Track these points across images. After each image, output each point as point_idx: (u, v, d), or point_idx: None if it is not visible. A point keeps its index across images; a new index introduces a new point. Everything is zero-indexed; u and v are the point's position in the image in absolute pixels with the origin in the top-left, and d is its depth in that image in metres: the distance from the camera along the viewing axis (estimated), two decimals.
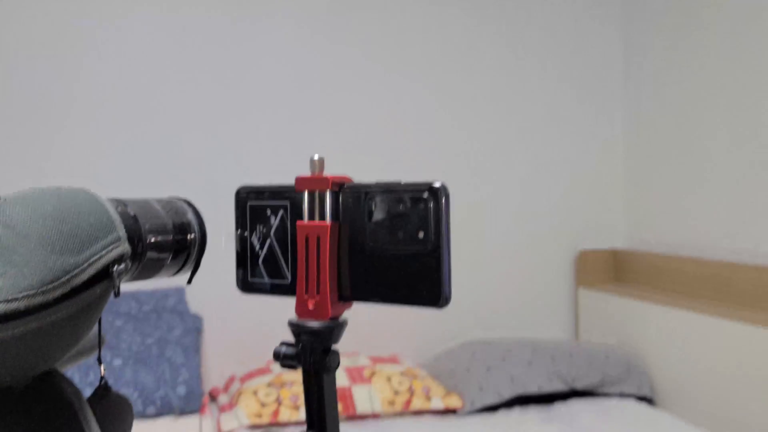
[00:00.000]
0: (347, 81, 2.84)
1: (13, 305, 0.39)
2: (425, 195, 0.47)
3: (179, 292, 2.59)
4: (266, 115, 2.75)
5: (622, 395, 2.49)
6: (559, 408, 2.39)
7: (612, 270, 3.10)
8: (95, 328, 0.50)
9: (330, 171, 0.51)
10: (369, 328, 2.51)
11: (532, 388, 2.43)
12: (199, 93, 2.69)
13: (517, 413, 2.37)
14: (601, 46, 3.12)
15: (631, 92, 3.10)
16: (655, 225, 2.96)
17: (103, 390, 0.50)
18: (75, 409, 0.45)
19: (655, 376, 2.56)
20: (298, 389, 2.30)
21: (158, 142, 2.65)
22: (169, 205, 0.55)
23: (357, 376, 2.40)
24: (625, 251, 3.06)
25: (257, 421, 2.20)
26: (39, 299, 0.40)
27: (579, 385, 2.47)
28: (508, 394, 2.40)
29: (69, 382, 0.46)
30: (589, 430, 2.19)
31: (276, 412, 2.23)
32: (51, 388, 0.45)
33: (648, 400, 2.53)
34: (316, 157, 0.51)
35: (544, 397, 2.46)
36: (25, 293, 0.39)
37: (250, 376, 2.44)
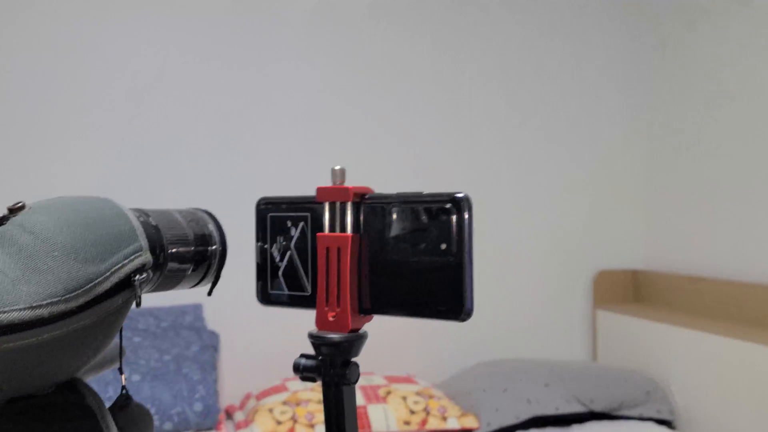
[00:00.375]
0: (368, 91, 2.85)
1: (38, 312, 0.39)
2: (448, 206, 0.47)
3: (197, 309, 2.59)
4: (286, 126, 2.76)
5: (642, 418, 2.45)
6: (577, 430, 2.37)
7: (631, 291, 3.07)
8: (116, 340, 0.51)
9: (350, 182, 0.51)
10: (384, 347, 2.50)
11: (550, 410, 2.40)
12: (219, 103, 2.71)
13: None
14: (626, 66, 3.12)
15: (653, 113, 3.08)
16: (675, 245, 2.93)
17: (124, 399, 0.50)
18: (97, 417, 0.45)
19: (675, 399, 2.53)
20: (314, 407, 2.29)
21: (178, 152, 2.67)
22: (191, 215, 0.55)
23: (372, 395, 2.39)
24: (644, 272, 3.03)
25: None
26: (62, 307, 0.40)
27: (597, 407, 2.44)
28: (525, 415, 2.38)
29: (91, 391, 0.46)
30: None
31: (291, 430, 2.22)
32: (73, 396, 0.45)
33: (668, 423, 2.49)
34: (337, 167, 0.51)
35: (561, 420, 2.43)
36: (49, 300, 0.39)
37: (266, 393, 2.44)
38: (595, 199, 3.08)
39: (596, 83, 3.09)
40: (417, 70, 2.91)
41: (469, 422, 2.36)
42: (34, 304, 0.39)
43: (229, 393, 2.62)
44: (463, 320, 0.47)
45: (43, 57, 2.56)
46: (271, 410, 2.29)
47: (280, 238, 0.54)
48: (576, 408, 2.42)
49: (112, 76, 2.63)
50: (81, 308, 0.41)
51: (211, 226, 0.56)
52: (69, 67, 2.59)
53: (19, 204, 0.43)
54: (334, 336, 0.49)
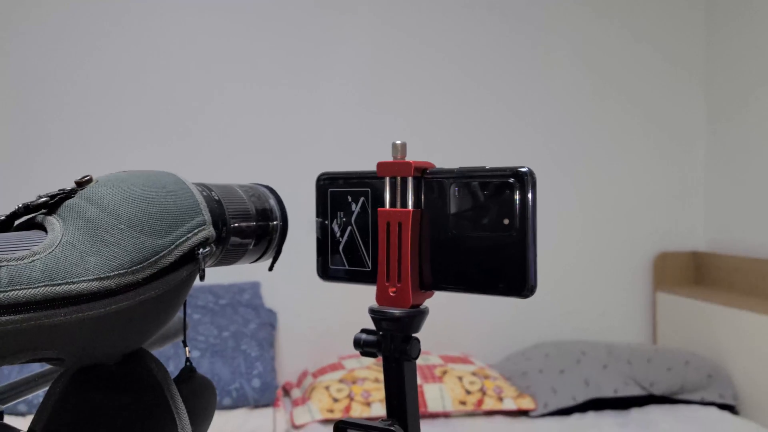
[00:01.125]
0: (432, 65, 2.84)
1: (105, 283, 0.40)
2: (511, 180, 0.46)
3: (254, 287, 2.63)
4: (347, 100, 2.77)
5: (703, 403, 2.40)
6: (636, 414, 2.33)
7: (692, 273, 3.00)
8: (179, 314, 0.51)
9: (411, 157, 0.50)
10: (440, 327, 2.50)
11: (608, 392, 2.37)
12: (278, 80, 2.73)
13: (591, 417, 2.31)
14: (683, 45, 3.03)
15: (713, 90, 2.99)
16: (737, 226, 2.85)
17: (188, 372, 0.51)
18: (162, 388, 0.46)
19: (738, 383, 2.46)
20: (370, 386, 2.31)
21: (239, 128, 2.70)
22: (252, 190, 0.55)
23: (428, 374, 2.39)
24: (705, 253, 2.96)
25: (329, 416, 2.22)
26: (129, 278, 0.41)
27: (657, 390, 2.39)
28: (582, 397, 2.35)
29: (157, 362, 0.47)
30: None
31: (348, 408, 2.24)
32: (140, 366, 0.46)
33: (731, 408, 2.43)
34: (398, 141, 0.50)
35: (619, 402, 2.40)
36: (116, 272, 0.40)
37: (323, 371, 2.47)
38: (656, 180, 3.01)
39: (656, 63, 3.01)
40: (481, 43, 2.88)
41: (526, 403, 2.34)
42: (102, 276, 0.40)
43: (286, 370, 2.66)
44: (526, 296, 0.46)
45: (107, 46, 2.62)
46: (327, 388, 2.31)
47: (340, 214, 0.54)
48: (635, 391, 2.38)
49: (173, 56, 2.67)
50: (147, 280, 0.42)
51: (272, 201, 0.56)
52: (136, 48, 2.64)
53: (86, 177, 0.44)
54: (395, 311, 0.49)
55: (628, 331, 2.97)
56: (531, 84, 2.92)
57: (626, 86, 2.99)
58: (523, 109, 2.91)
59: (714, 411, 2.34)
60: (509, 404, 2.33)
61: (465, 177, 0.48)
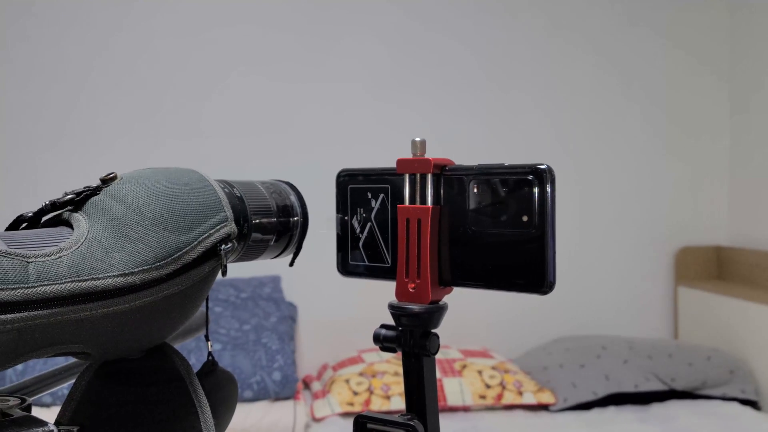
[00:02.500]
0: (452, 62, 2.83)
1: (130, 279, 0.40)
2: (530, 177, 0.46)
3: (275, 281, 2.65)
4: (366, 98, 2.78)
5: (725, 398, 2.38)
6: (657, 409, 2.32)
7: (714, 267, 2.97)
8: (201, 308, 0.52)
9: (430, 154, 0.50)
10: (460, 321, 2.50)
11: (628, 387, 2.36)
12: (297, 76, 2.74)
13: (611, 412, 2.30)
14: (706, 38, 3.00)
15: (736, 83, 2.96)
16: (760, 220, 2.82)
17: (210, 365, 0.52)
18: (185, 381, 0.46)
19: (760, 378, 2.44)
20: (390, 379, 2.32)
21: (260, 125, 2.71)
22: (273, 187, 0.56)
23: (448, 368, 2.39)
24: (728, 248, 2.93)
25: (349, 409, 2.23)
26: (153, 274, 0.41)
27: (678, 385, 2.38)
28: (603, 392, 2.34)
29: (180, 356, 0.48)
30: None
31: (368, 401, 2.25)
32: (163, 360, 0.47)
33: (753, 403, 2.41)
34: (417, 138, 0.50)
35: (640, 397, 2.39)
36: (140, 268, 0.41)
37: (342, 365, 2.48)
38: (679, 174, 2.99)
39: (679, 57, 2.98)
40: (502, 38, 2.87)
41: (546, 398, 2.34)
42: (127, 272, 0.40)
43: (306, 363, 2.67)
44: (545, 293, 0.46)
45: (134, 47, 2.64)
46: (347, 381, 2.32)
47: (360, 210, 0.54)
48: (656, 386, 2.37)
49: (193, 53, 2.69)
50: (170, 276, 0.42)
51: (293, 198, 0.56)
52: (155, 46, 2.66)
53: (111, 174, 0.45)
54: (415, 307, 0.49)
55: (649, 326, 2.95)
56: (551, 79, 2.91)
57: (648, 80, 2.97)
58: (543, 104, 2.90)
59: (736, 406, 2.32)
60: (529, 398, 2.33)
61: (484, 174, 0.48)
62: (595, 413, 2.30)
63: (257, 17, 2.72)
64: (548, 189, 0.46)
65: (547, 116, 2.90)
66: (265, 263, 2.44)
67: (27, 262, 0.37)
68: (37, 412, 0.47)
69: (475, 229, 0.48)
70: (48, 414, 0.41)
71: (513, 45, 2.88)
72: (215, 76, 2.70)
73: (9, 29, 2.60)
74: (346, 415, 2.23)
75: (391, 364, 2.39)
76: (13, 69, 2.61)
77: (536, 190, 0.46)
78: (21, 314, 0.36)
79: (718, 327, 2.69)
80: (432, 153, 0.50)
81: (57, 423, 0.43)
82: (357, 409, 2.23)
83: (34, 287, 0.37)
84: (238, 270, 2.55)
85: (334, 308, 2.69)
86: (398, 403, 2.25)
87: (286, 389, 2.24)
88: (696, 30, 2.99)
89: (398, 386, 2.29)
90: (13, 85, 2.61)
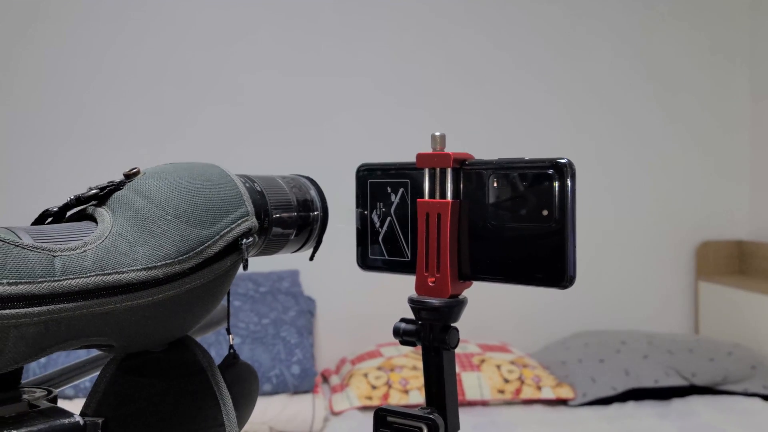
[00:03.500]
0: (470, 56, 2.83)
1: (153, 273, 0.41)
2: (550, 171, 0.46)
3: (293, 275, 2.66)
4: (385, 92, 2.78)
5: (747, 394, 2.36)
6: (677, 404, 2.30)
7: (735, 262, 2.94)
8: (222, 302, 0.53)
9: (450, 148, 0.50)
10: (478, 315, 2.50)
11: (648, 383, 2.34)
12: (319, 71, 2.74)
13: (631, 407, 2.29)
14: (727, 27, 2.97)
15: (757, 73, 2.92)
16: None
17: (232, 358, 0.52)
18: (207, 374, 0.47)
19: None
20: (408, 373, 2.32)
21: (280, 120, 2.72)
22: (293, 182, 0.56)
23: (466, 363, 2.39)
24: (749, 242, 2.90)
25: (368, 403, 2.24)
26: (176, 268, 0.42)
27: (699, 381, 2.36)
28: (622, 387, 2.33)
29: (202, 349, 0.48)
30: (710, 428, 2.09)
31: (386, 395, 2.26)
32: (185, 353, 0.47)
33: None
34: (437, 133, 0.50)
35: (660, 393, 2.37)
36: (163, 262, 0.41)
37: (361, 358, 2.49)
38: (699, 168, 2.96)
39: (699, 47, 2.96)
40: (520, 31, 2.86)
41: (564, 392, 2.33)
42: (150, 265, 0.41)
43: (324, 357, 2.69)
44: (565, 287, 0.46)
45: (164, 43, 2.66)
46: (366, 375, 2.33)
47: (379, 204, 0.55)
48: (676, 381, 2.35)
49: (211, 48, 2.70)
50: (192, 270, 0.43)
51: (313, 192, 0.57)
52: (172, 40, 2.68)
53: (134, 170, 0.45)
54: (434, 301, 0.49)
55: (669, 320, 2.93)
56: (569, 71, 2.89)
57: (668, 71, 2.94)
58: (563, 97, 2.89)
59: (758, 402, 2.30)
60: (548, 393, 2.33)
61: (504, 168, 0.48)
62: (615, 408, 2.29)
63: (274, 13, 2.73)
64: (569, 183, 0.45)
65: (567, 109, 2.88)
66: (283, 257, 2.45)
67: (53, 256, 0.38)
68: (60, 404, 0.48)
69: (495, 224, 0.48)
70: (70, 406, 0.41)
71: (532, 37, 2.86)
72: (235, 72, 2.71)
73: (35, 18, 2.62)
74: (364, 408, 2.24)
75: (410, 358, 2.40)
76: (32, 62, 2.63)
77: (556, 184, 0.46)
78: (47, 307, 0.36)
79: (739, 322, 2.67)
80: (451, 147, 0.50)
81: (82, 414, 0.43)
82: (375, 403, 2.23)
83: (60, 281, 0.37)
84: (256, 264, 2.55)
85: (352, 302, 2.69)
86: (416, 398, 2.25)
87: (304, 383, 2.26)
88: (717, 20, 2.96)
89: (416, 380, 2.30)
90: (35, 81, 2.64)
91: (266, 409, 2.14)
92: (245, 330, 2.34)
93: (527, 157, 0.48)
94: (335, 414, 2.24)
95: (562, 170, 0.46)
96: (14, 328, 0.35)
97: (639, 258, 2.94)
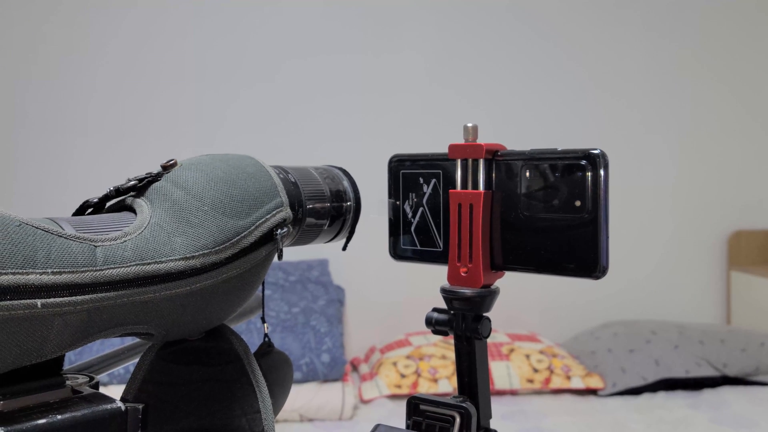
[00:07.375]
0: (504, 47, 2.81)
1: (191, 262, 0.42)
2: (583, 162, 0.46)
3: (323, 264, 2.68)
4: (418, 82, 2.77)
5: None
6: (708, 394, 2.28)
7: None
8: (257, 291, 0.53)
9: (483, 139, 0.51)
10: (508, 305, 2.49)
11: (679, 373, 2.33)
12: (350, 62, 2.75)
13: (661, 397, 2.28)
14: (761, 17, 2.91)
15: None
16: None
17: (267, 347, 0.53)
18: (243, 362, 0.48)
19: None
20: (437, 362, 2.33)
21: (314, 112, 2.73)
22: (326, 172, 0.57)
23: (495, 352, 2.39)
24: None
25: (397, 391, 2.25)
26: (213, 258, 0.43)
27: (731, 371, 2.34)
28: (652, 377, 2.32)
29: (238, 337, 0.49)
30: (741, 419, 2.07)
31: (415, 384, 2.26)
32: (222, 341, 0.48)
33: None
34: (469, 124, 0.50)
35: (691, 383, 2.35)
36: (200, 252, 0.42)
37: (390, 347, 2.50)
38: (732, 157, 2.92)
39: (732, 35, 2.91)
40: (555, 20, 2.83)
41: (594, 382, 2.32)
42: (188, 255, 0.42)
43: (354, 346, 2.70)
44: (598, 278, 0.46)
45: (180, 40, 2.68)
46: (395, 364, 2.34)
47: (412, 195, 0.55)
48: (708, 372, 2.33)
49: (244, 39, 2.71)
50: (229, 260, 0.44)
51: (346, 183, 0.57)
52: (206, 33, 2.69)
53: (171, 161, 0.46)
54: (467, 291, 0.50)
55: (700, 311, 2.90)
56: (603, 61, 2.86)
57: (701, 59, 2.90)
58: (595, 86, 2.86)
59: None
60: (577, 383, 2.32)
61: (536, 159, 0.48)
62: (645, 398, 2.28)
63: (308, 1, 2.74)
64: (601, 173, 0.45)
65: (598, 99, 2.85)
66: (313, 247, 2.47)
67: (94, 246, 0.39)
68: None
69: (527, 214, 0.49)
70: (106, 392, 0.42)
71: (563, 28, 2.84)
72: (268, 62, 2.72)
73: (61, 12, 2.66)
74: (393, 397, 2.25)
75: (438, 347, 2.40)
76: (60, 56, 2.67)
77: (589, 174, 0.46)
78: (90, 296, 0.37)
79: None
80: (484, 138, 0.50)
81: (122, 400, 0.44)
82: (404, 391, 2.24)
83: (102, 270, 0.38)
84: (287, 254, 2.58)
85: (381, 291, 2.70)
86: (445, 386, 2.26)
87: (334, 371, 2.27)
88: (750, 8, 2.91)
89: (445, 369, 2.30)
90: (69, 77, 2.67)
91: (296, 396, 2.16)
92: (275, 319, 2.36)
93: (560, 148, 0.48)
94: (365, 402, 2.25)
95: (595, 161, 0.46)
96: (59, 316, 0.36)
97: (670, 247, 2.91)
